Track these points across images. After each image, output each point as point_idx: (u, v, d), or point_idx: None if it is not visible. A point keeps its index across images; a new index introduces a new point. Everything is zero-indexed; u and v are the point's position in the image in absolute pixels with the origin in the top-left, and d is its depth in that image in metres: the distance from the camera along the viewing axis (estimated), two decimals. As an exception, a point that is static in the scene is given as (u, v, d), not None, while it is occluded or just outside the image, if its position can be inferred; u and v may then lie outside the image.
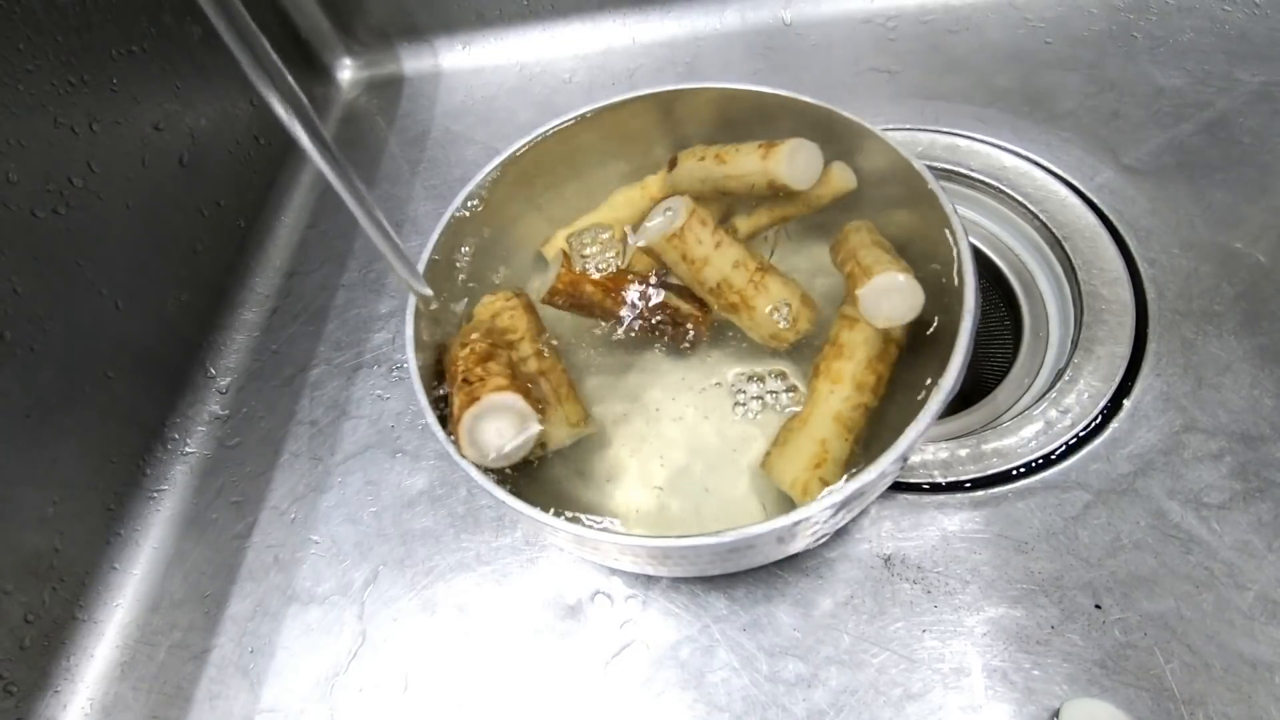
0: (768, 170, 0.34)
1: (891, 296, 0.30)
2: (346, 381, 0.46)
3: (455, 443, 0.27)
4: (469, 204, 0.35)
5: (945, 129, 0.49)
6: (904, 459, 0.26)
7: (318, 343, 0.49)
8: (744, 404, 0.36)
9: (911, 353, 0.32)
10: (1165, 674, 0.30)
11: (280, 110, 0.20)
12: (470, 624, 0.36)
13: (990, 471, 0.36)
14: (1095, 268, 0.41)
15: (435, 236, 0.34)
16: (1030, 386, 0.40)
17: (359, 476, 0.42)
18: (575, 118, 0.37)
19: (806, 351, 0.35)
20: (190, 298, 0.48)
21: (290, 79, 0.20)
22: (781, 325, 0.33)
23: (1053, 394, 0.37)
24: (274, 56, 0.19)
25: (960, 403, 0.41)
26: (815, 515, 0.25)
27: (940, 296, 0.30)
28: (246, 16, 0.18)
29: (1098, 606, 0.32)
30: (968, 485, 0.36)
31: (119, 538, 0.41)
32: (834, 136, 0.35)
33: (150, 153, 0.45)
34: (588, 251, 0.35)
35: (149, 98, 0.46)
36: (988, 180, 0.46)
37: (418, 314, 0.32)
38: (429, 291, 0.31)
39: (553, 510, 0.26)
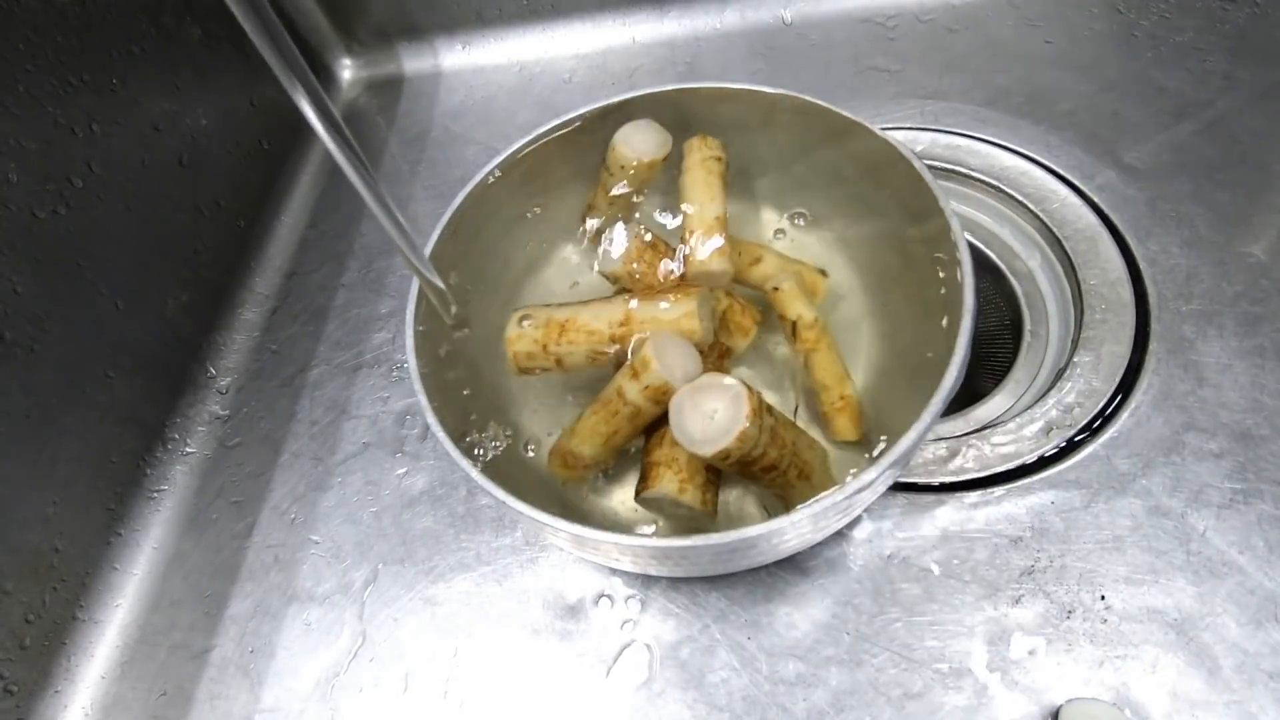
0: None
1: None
2: (346, 381, 0.46)
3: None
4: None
5: (945, 128, 0.49)
6: (905, 459, 0.26)
7: (318, 343, 0.49)
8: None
9: (912, 352, 0.32)
10: (1165, 674, 0.30)
11: (300, 102, 0.21)
12: (470, 624, 0.36)
13: (990, 471, 0.36)
14: (1095, 268, 0.41)
15: (435, 236, 0.34)
16: (1030, 386, 0.40)
17: (359, 476, 0.42)
18: (575, 117, 0.37)
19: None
20: (190, 298, 0.48)
21: (308, 69, 0.21)
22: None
23: (1053, 394, 0.37)
24: (294, 48, 0.20)
25: (960, 402, 0.41)
26: (814, 516, 0.25)
27: (940, 296, 0.30)
28: (268, 7, 0.19)
29: (1101, 601, 0.32)
30: (968, 485, 0.36)
31: (119, 538, 0.41)
32: (834, 135, 0.35)
33: (150, 153, 0.45)
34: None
35: (149, 98, 0.46)
36: (988, 180, 0.46)
37: (418, 314, 0.32)
38: (441, 284, 0.31)
39: (553, 510, 0.26)
